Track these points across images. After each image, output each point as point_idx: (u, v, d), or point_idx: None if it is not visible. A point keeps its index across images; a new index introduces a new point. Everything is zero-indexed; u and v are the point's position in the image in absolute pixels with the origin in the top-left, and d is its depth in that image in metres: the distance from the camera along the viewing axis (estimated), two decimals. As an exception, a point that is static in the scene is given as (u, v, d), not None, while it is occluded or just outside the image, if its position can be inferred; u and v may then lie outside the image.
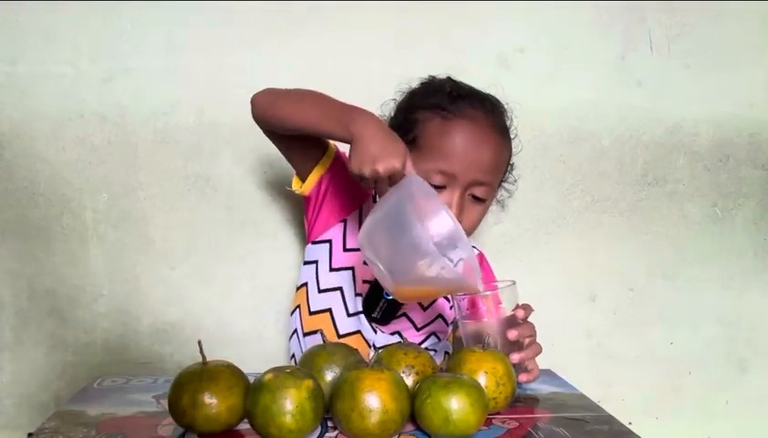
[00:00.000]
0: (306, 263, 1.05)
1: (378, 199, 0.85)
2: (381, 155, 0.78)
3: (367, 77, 1.22)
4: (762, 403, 1.42)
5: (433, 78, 1.03)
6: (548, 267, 1.32)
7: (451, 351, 1.08)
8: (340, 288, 1.00)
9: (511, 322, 0.83)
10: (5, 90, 1.17)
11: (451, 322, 1.06)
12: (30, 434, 0.71)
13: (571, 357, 1.25)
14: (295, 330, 1.04)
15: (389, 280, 0.78)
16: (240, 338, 1.25)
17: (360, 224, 0.99)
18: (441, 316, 1.04)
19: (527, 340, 0.85)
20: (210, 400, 0.67)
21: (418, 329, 1.02)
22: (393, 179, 0.80)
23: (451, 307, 1.04)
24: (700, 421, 1.40)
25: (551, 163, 1.31)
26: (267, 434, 0.67)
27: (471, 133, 0.94)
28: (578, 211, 1.33)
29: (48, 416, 0.75)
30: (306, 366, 0.75)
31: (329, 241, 1.02)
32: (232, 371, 0.70)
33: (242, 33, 1.21)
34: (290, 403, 0.65)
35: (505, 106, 1.02)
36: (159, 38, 1.19)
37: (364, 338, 0.99)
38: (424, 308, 1.02)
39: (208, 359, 0.71)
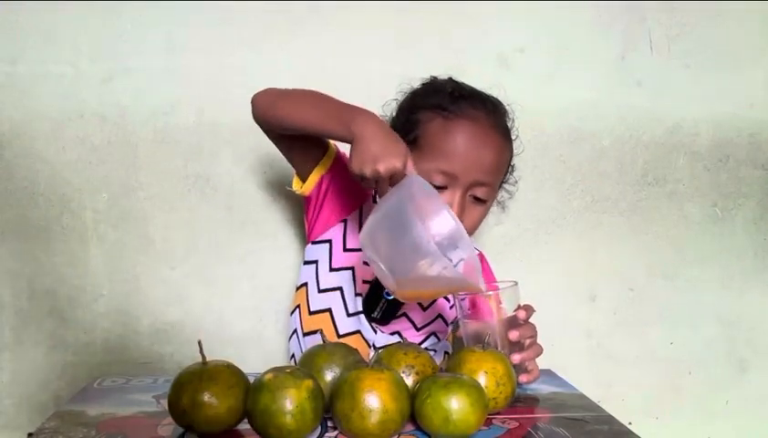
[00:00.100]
0: (306, 263, 1.05)
1: (378, 199, 0.85)
2: (382, 155, 0.78)
3: (367, 77, 1.22)
4: (762, 403, 1.42)
5: (435, 78, 1.03)
6: (548, 267, 1.32)
7: (450, 351, 1.08)
8: (340, 288, 1.00)
9: (512, 323, 0.83)
10: (5, 90, 1.17)
11: (451, 322, 1.06)
12: (30, 434, 0.71)
13: (571, 357, 1.25)
14: (295, 330, 1.04)
15: (391, 280, 0.78)
16: (240, 338, 1.25)
17: (361, 224, 0.99)
18: (441, 316, 1.04)
19: (528, 341, 0.85)
20: (210, 400, 0.67)
21: (418, 329, 1.02)
22: (394, 179, 0.80)
23: (451, 307, 1.04)
24: (700, 421, 1.40)
25: (551, 163, 1.31)
26: (267, 434, 0.67)
27: (472, 134, 0.94)
28: (578, 211, 1.33)
29: (48, 416, 0.75)
30: (306, 366, 0.75)
31: (329, 241, 1.02)
32: (232, 371, 0.70)
33: (242, 33, 1.21)
34: (290, 403, 0.65)
35: (506, 107, 1.02)
36: (159, 38, 1.19)
37: (364, 338, 0.99)
38: (424, 308, 1.02)
39: (208, 359, 0.71)
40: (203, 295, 1.24)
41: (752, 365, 1.41)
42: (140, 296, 1.23)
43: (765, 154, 1.38)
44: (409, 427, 0.72)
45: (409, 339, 1.00)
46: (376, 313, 0.98)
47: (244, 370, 0.72)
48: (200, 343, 0.72)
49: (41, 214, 1.19)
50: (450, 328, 1.08)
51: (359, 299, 0.99)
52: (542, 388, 0.88)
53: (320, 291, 1.01)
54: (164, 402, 0.74)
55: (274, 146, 0.99)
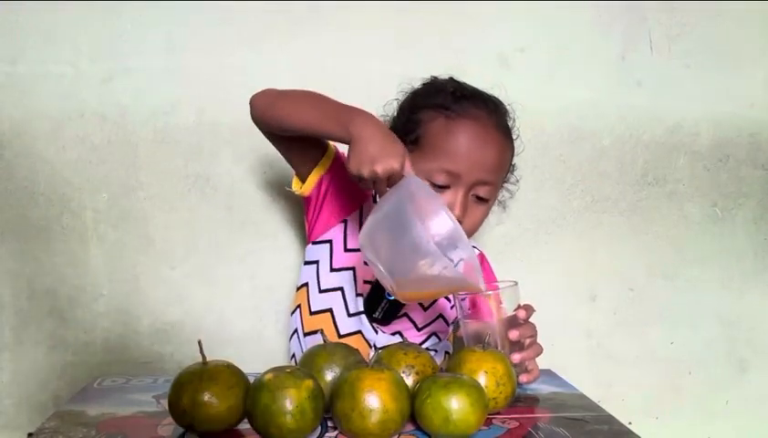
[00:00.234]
0: (306, 263, 1.05)
1: (378, 199, 0.85)
2: (380, 156, 0.78)
3: (367, 77, 1.22)
4: (762, 403, 1.42)
5: (435, 78, 1.03)
6: (548, 267, 1.32)
7: (451, 351, 1.08)
8: (341, 288, 1.00)
9: (512, 322, 0.83)
10: (5, 90, 1.17)
11: (452, 322, 1.06)
12: (30, 434, 0.71)
13: (571, 357, 1.25)
14: (296, 330, 1.04)
15: (391, 281, 0.78)
16: (240, 338, 1.25)
17: (361, 224, 0.99)
18: (441, 316, 1.04)
19: (528, 341, 0.85)
20: (210, 400, 0.67)
21: (419, 329, 1.02)
22: (392, 179, 0.80)
23: (451, 307, 1.04)
24: (700, 421, 1.40)
25: (551, 163, 1.31)
26: (267, 434, 0.67)
27: (474, 133, 0.94)
28: (578, 211, 1.33)
29: (48, 416, 0.75)
30: (307, 366, 0.75)
31: (330, 241, 1.02)
32: (232, 371, 0.70)
33: (242, 33, 1.21)
34: (290, 403, 0.65)
35: (507, 106, 1.02)
36: (159, 38, 1.19)
37: (365, 338, 0.99)
38: (425, 308, 1.02)
39: (208, 359, 0.71)
40: (203, 295, 1.24)
41: (752, 365, 1.41)
42: (140, 296, 1.23)
43: (765, 154, 1.38)
44: (410, 427, 0.72)
45: (411, 340, 1.00)
46: (377, 313, 0.98)
47: (244, 370, 0.72)
48: (200, 343, 0.72)
49: (41, 214, 1.19)
50: (451, 329, 1.08)
51: (360, 299, 0.99)
52: (542, 388, 0.88)
53: (321, 291, 1.01)
54: (164, 402, 0.74)
55: (274, 146, 0.99)
